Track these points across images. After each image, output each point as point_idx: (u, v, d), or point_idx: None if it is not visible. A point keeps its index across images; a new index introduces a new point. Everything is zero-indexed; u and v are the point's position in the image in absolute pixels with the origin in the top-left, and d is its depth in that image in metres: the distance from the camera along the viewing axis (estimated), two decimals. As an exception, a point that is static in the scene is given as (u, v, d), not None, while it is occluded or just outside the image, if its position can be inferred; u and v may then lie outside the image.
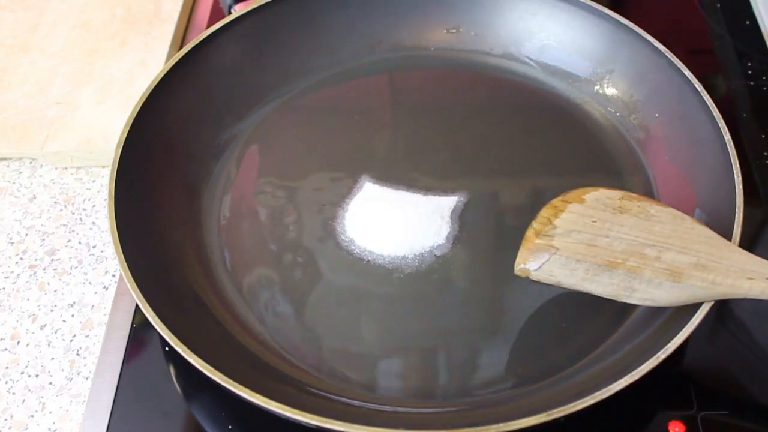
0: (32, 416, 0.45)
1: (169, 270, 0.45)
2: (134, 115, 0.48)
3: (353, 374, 0.43)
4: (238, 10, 0.55)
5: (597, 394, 0.36)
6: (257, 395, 0.36)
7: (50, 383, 0.47)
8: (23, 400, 0.46)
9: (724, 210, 0.43)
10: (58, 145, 0.57)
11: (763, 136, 0.58)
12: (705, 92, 0.49)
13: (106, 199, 0.47)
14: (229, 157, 0.54)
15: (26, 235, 0.54)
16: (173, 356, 0.45)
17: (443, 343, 0.44)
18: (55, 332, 0.49)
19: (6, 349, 0.48)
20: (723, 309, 0.48)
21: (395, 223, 0.49)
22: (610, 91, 0.56)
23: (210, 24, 0.58)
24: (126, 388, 0.44)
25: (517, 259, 0.42)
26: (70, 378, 0.47)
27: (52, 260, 0.53)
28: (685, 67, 0.50)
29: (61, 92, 0.61)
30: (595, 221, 0.41)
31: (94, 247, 0.53)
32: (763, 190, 0.54)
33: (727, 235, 0.41)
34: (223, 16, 0.56)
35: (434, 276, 0.47)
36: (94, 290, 0.51)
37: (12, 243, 0.54)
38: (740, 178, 0.44)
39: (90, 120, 0.58)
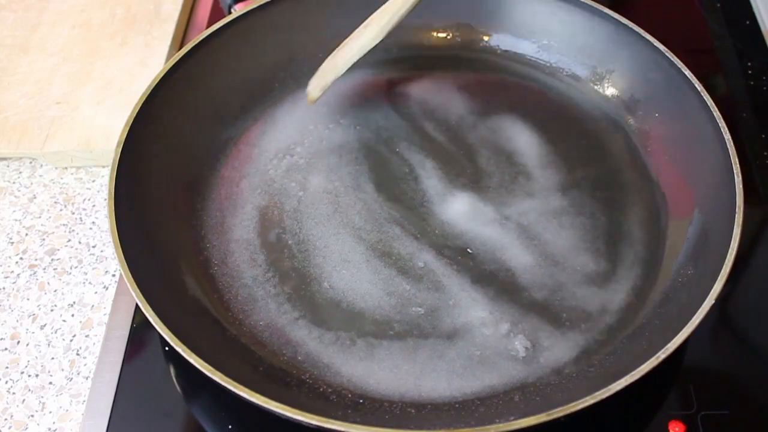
0: (32, 416, 0.45)
1: (169, 270, 0.45)
2: (134, 115, 0.48)
3: (353, 374, 0.43)
4: (238, 10, 0.55)
5: (597, 394, 0.36)
6: (257, 395, 0.36)
7: (50, 383, 0.47)
8: (23, 400, 0.46)
9: (724, 210, 0.43)
10: (58, 145, 0.57)
11: (763, 136, 0.58)
12: (705, 92, 0.49)
13: (106, 199, 0.47)
14: (229, 156, 0.54)
15: (26, 235, 0.54)
16: (173, 356, 0.45)
17: (443, 344, 0.44)
18: (55, 332, 0.49)
19: (6, 349, 0.48)
20: (723, 309, 0.48)
21: (395, 223, 0.50)
22: (610, 91, 0.56)
23: (210, 24, 0.58)
24: (126, 388, 0.45)
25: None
26: (70, 378, 0.47)
27: (52, 260, 0.53)
28: (685, 67, 0.51)
29: (61, 92, 0.61)
30: None
31: (94, 247, 0.53)
32: (763, 190, 0.54)
33: (727, 235, 0.41)
34: (223, 16, 0.56)
35: (434, 278, 0.47)
36: (94, 290, 0.51)
37: (12, 243, 0.54)
38: (740, 178, 0.44)
39: (90, 120, 0.58)
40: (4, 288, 0.51)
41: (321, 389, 0.42)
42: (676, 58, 0.51)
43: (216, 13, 0.68)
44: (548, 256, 0.48)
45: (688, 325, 0.38)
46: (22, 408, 0.46)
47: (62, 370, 0.47)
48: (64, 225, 0.55)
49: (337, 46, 0.53)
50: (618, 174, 0.53)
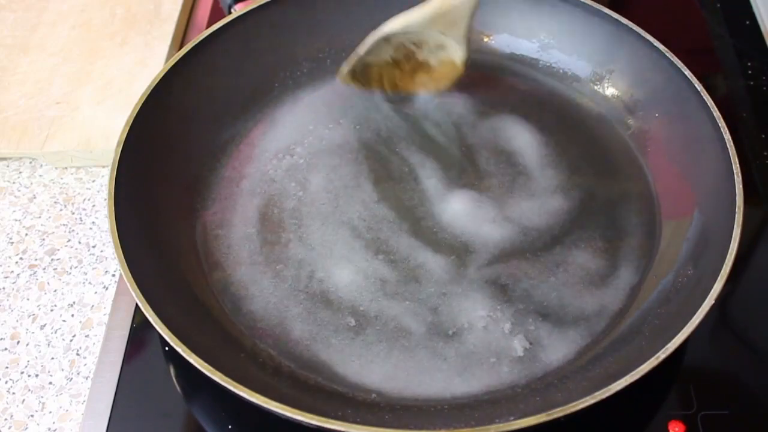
0: (32, 416, 0.45)
1: (169, 270, 0.45)
2: (134, 115, 0.48)
3: (352, 373, 0.43)
4: (238, 10, 0.55)
5: (597, 394, 0.36)
6: (257, 395, 0.36)
7: (50, 383, 0.47)
8: (23, 400, 0.46)
9: (724, 210, 0.43)
10: (58, 145, 0.57)
11: (763, 136, 0.58)
12: (705, 92, 0.49)
13: (106, 199, 0.47)
14: (229, 157, 0.54)
15: (26, 235, 0.54)
16: (173, 356, 0.45)
17: (443, 343, 0.44)
18: (55, 332, 0.49)
19: (6, 349, 0.48)
20: (723, 309, 0.48)
21: (394, 223, 0.50)
22: (610, 91, 0.56)
23: (210, 24, 0.58)
24: (126, 388, 0.45)
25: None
26: (70, 378, 0.47)
27: (52, 260, 0.53)
28: (685, 67, 0.51)
29: (61, 92, 0.61)
30: None
31: (94, 247, 0.53)
32: (763, 190, 0.54)
33: (727, 235, 0.41)
34: (223, 16, 0.56)
35: (433, 278, 0.47)
36: (94, 290, 0.51)
37: (12, 243, 0.54)
38: (740, 178, 0.44)
39: (90, 120, 0.58)
40: (4, 288, 0.51)
41: (321, 389, 0.42)
42: (676, 58, 0.51)
43: (216, 13, 0.68)
44: (548, 256, 0.48)
45: (688, 325, 0.38)
46: (22, 408, 0.46)
47: (62, 370, 0.47)
48: (64, 225, 0.55)
49: (336, 46, 0.53)
50: (618, 174, 0.53)
